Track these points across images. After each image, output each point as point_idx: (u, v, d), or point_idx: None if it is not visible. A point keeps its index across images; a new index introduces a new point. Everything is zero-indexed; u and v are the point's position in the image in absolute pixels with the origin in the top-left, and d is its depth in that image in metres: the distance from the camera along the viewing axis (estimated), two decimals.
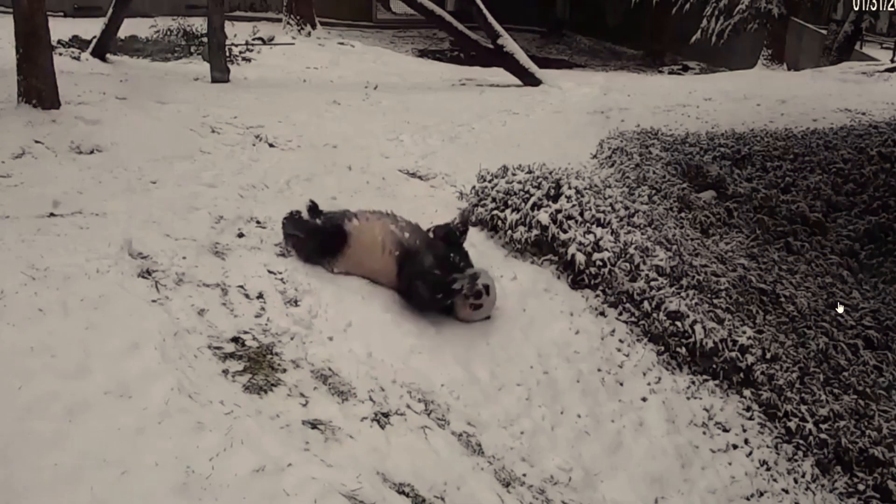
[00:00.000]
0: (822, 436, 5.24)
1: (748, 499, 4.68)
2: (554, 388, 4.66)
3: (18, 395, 3.33)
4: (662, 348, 5.33)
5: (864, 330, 6.19)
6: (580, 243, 5.58)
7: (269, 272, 4.66)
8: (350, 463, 3.52)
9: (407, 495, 3.52)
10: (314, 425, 3.67)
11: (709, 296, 5.78)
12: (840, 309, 6.20)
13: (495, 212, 5.91)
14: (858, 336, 6.14)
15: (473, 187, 6.28)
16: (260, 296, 4.44)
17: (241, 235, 5.03)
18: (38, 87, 6.71)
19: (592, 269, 5.54)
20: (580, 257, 5.51)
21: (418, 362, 4.36)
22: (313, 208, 5.26)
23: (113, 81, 8.79)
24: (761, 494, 4.74)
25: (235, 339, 4.09)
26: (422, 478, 3.63)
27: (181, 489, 3.09)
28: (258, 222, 5.20)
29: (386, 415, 3.91)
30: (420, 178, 6.95)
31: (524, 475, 4.02)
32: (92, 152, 6.02)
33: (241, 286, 4.47)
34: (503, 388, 4.47)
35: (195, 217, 5.16)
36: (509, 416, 4.31)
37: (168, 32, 14.64)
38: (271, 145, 7.11)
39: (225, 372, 3.84)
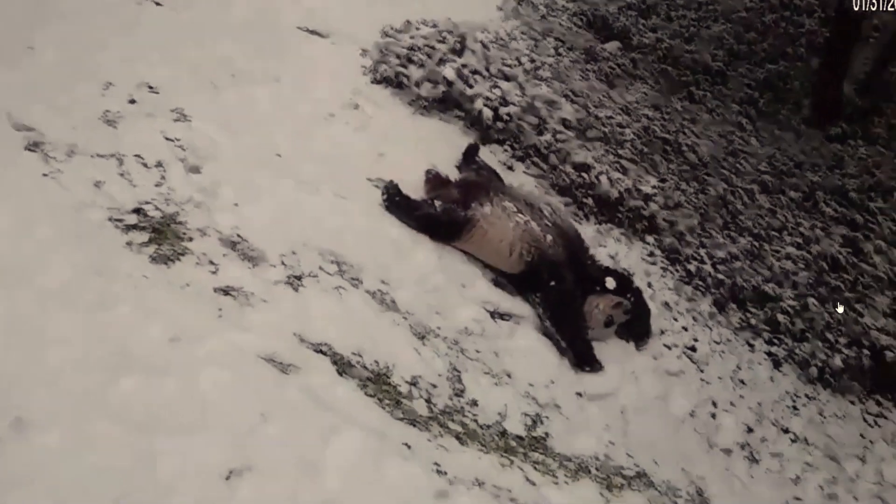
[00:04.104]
0: (720, 276, 5.51)
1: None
2: None
3: None
4: (570, 200, 5.44)
5: (761, 175, 6.42)
6: (487, 98, 5.53)
7: (167, 139, 4.45)
8: (266, 327, 3.53)
9: (325, 354, 3.57)
10: (226, 292, 3.64)
11: (614, 147, 5.87)
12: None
13: (399, 68, 5.75)
14: (755, 181, 6.38)
15: (376, 43, 6.07)
16: (159, 164, 4.26)
17: (132, 102, 4.75)
18: None
19: (500, 124, 5.52)
20: (487, 112, 5.47)
21: (330, 225, 4.32)
22: (471, 150, 5.16)
23: None
24: (663, 333, 5.00)
25: (137, 211, 3.94)
26: (339, 336, 3.68)
27: (95, 363, 3.05)
28: (150, 87, 4.90)
29: (299, 277, 3.90)
30: (320, 35, 6.66)
31: (438, 328, 4.13)
32: None
33: (138, 155, 4.27)
34: (415, 246, 4.50)
35: (81, 84, 4.83)
36: (422, 272, 4.36)
37: None
38: (158, 3, 6.65)
39: (129, 244, 3.72)
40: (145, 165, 4.24)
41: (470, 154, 5.20)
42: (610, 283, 4.76)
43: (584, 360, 4.51)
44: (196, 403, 3.04)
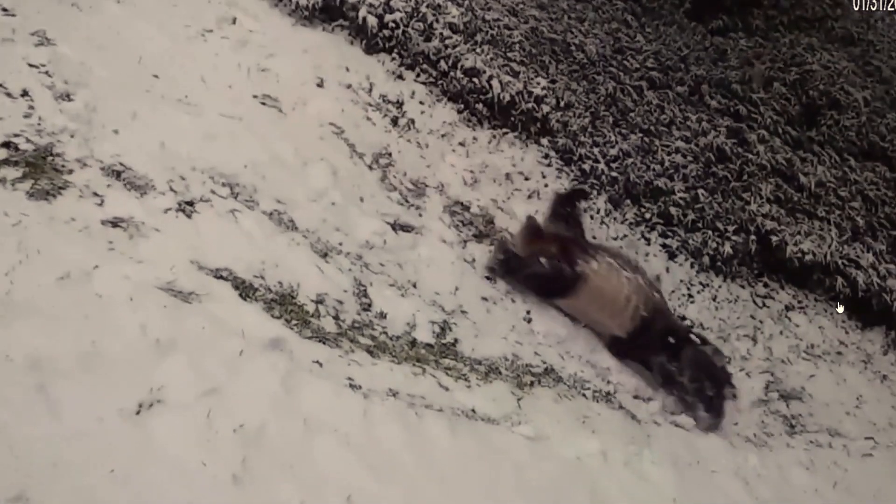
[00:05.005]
0: (613, 174, 5.62)
1: None
2: (356, 155, 4.65)
3: None
4: (462, 106, 5.40)
5: (648, 72, 6.49)
6: (370, 5, 5.36)
7: (30, 66, 4.12)
8: (161, 256, 3.40)
9: (226, 279, 3.48)
10: (115, 224, 3.47)
11: (503, 50, 5.81)
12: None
13: None
14: (643, 78, 6.44)
15: None
16: (25, 93, 3.96)
17: None
18: None
19: (386, 32, 5.38)
20: (372, 20, 5.31)
21: (218, 147, 4.16)
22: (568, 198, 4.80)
23: None
24: None
25: (7, 144, 3.67)
26: (238, 260, 3.59)
27: None
28: (5, 10, 4.49)
29: (190, 203, 3.76)
30: None
31: (340, 244, 4.08)
32: None
33: (1, 84, 3.97)
34: (308, 163, 4.39)
35: None
36: (318, 189, 4.28)
37: None
38: None
39: (2, 181, 3.48)
40: (9, 95, 3.93)
41: (565, 202, 4.92)
42: (695, 339, 4.65)
43: (722, 417, 4.45)
44: (93, 341, 2.91)
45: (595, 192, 5.55)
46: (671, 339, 4.48)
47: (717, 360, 4.58)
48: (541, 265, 4.44)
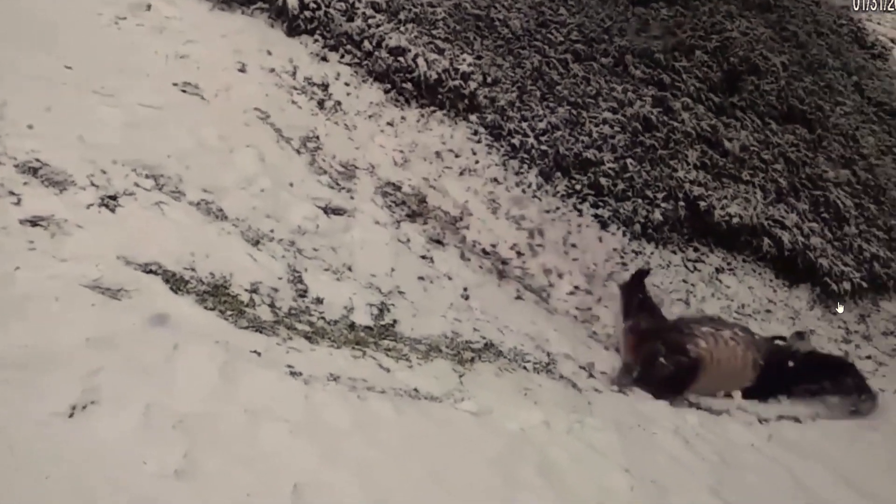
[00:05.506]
0: (543, 147, 5.67)
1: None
2: (283, 140, 4.58)
3: None
4: (389, 86, 5.36)
5: (573, 44, 6.54)
6: None
7: None
8: (85, 253, 3.29)
9: (156, 273, 3.39)
10: (34, 222, 3.35)
11: (427, 27, 5.79)
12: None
13: None
14: (568, 51, 6.50)
15: None
16: None
17: None
18: None
19: (307, 13, 5.31)
20: (292, 1, 5.24)
21: (139, 137, 4.04)
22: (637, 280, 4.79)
23: None
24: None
25: None
26: (167, 253, 3.50)
27: None
28: None
29: (113, 197, 3.64)
30: None
31: (272, 231, 4.01)
32: None
33: None
34: (234, 151, 4.31)
35: None
36: (246, 176, 4.20)
37: None
38: None
39: None
40: None
41: (634, 289, 4.89)
42: (781, 343, 4.93)
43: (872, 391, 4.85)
44: (17, 346, 2.81)
45: (526, 167, 5.58)
46: (790, 364, 4.71)
47: (808, 345, 4.90)
48: (663, 366, 4.48)
